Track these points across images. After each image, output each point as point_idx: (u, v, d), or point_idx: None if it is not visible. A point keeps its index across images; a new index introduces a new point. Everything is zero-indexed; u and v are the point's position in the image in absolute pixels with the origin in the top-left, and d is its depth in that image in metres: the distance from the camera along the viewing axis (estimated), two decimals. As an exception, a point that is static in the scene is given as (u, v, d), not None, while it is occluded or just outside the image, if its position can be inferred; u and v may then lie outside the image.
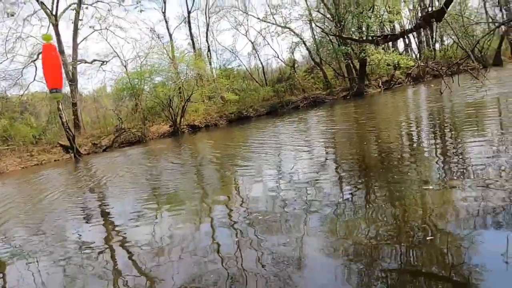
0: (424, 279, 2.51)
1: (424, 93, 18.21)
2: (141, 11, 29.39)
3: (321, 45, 26.83)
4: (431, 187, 4.12)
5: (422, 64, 21.59)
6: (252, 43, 29.82)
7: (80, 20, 24.13)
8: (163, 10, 27.29)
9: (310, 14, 26.10)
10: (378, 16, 21.98)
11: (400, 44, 31.00)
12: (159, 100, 22.08)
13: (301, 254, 3.15)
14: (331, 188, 4.89)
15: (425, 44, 30.84)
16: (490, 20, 25.57)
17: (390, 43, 24.50)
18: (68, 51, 24.48)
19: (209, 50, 29.11)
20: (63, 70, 5.98)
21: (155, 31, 27.12)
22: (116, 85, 24.69)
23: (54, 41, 6.51)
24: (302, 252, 3.19)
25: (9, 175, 16.34)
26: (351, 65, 25.45)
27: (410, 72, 23.41)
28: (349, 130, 10.61)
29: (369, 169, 5.61)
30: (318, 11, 26.01)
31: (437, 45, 30.46)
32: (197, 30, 30.17)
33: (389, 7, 21.55)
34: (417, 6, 24.89)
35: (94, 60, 25.77)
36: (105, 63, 25.64)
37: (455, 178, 4.39)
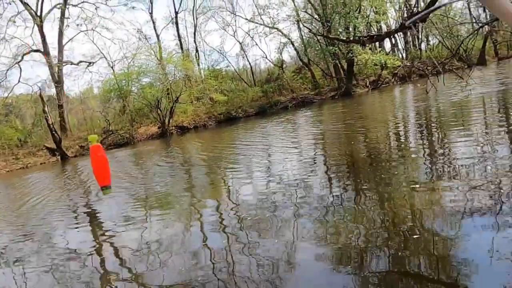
0: (411, 279, 2.53)
1: (411, 92, 18.43)
2: (133, 7, 29.03)
3: (309, 45, 26.98)
4: (418, 186, 4.17)
5: (408, 64, 21.89)
6: (240, 43, 29.86)
7: (67, 18, 23.77)
8: (150, 11, 27.17)
9: (298, 14, 26.20)
10: (365, 16, 22.19)
11: (387, 44, 31.40)
12: (147, 101, 21.88)
13: (290, 257, 3.15)
14: (320, 190, 4.90)
15: (411, 44, 31.27)
16: (474, 20, 26.02)
17: (377, 43, 24.75)
18: (54, 52, 24.14)
19: (197, 51, 29.04)
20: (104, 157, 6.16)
21: (142, 32, 26.94)
22: (103, 87, 24.46)
23: (98, 140, 6.71)
24: (292, 254, 3.19)
25: (-7, 179, 15.99)
26: (339, 65, 25.64)
27: (396, 72, 23.72)
28: (337, 130, 10.67)
29: (358, 170, 5.65)
30: (306, 12, 26.13)
31: (423, 45, 30.96)
32: (184, 31, 29.90)
33: (375, 7, 21.79)
34: (402, 6, 25.22)
35: (81, 61, 25.49)
36: (91, 64, 25.34)
37: (442, 178, 4.45)
